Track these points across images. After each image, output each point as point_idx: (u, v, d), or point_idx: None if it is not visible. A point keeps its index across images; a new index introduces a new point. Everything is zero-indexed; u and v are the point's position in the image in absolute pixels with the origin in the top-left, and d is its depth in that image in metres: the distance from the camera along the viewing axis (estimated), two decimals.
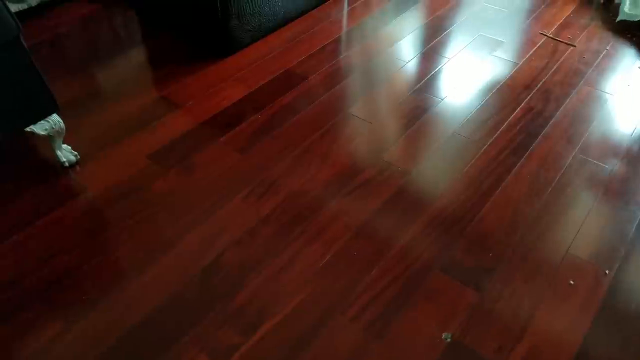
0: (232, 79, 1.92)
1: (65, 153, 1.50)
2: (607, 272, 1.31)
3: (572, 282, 1.28)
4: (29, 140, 1.59)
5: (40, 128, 1.37)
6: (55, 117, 1.39)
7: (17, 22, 1.15)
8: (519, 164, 1.60)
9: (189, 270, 1.29)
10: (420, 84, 1.94)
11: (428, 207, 1.46)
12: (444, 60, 2.07)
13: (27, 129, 1.35)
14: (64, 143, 1.51)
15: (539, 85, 1.94)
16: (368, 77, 1.97)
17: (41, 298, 1.23)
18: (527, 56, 2.10)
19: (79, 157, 1.53)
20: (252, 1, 1.94)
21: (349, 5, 2.42)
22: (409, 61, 2.06)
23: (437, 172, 1.58)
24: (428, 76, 1.98)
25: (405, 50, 2.13)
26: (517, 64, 2.05)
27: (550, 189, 1.53)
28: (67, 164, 1.50)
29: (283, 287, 1.25)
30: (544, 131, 1.73)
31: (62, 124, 1.42)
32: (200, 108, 1.78)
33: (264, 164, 1.58)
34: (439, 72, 2.00)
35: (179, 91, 1.86)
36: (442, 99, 1.86)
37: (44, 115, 1.33)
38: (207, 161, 1.59)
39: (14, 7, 1.96)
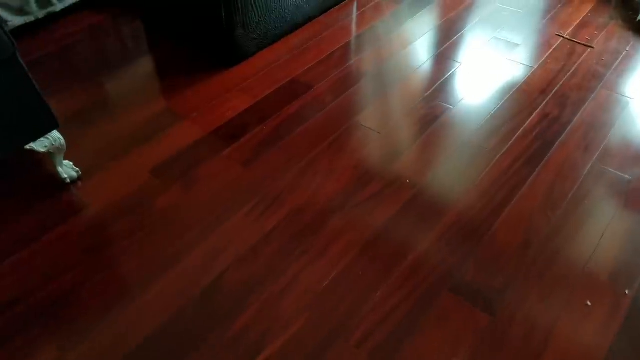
0: (237, 89, 1.88)
1: (67, 169, 1.47)
2: (627, 291, 1.23)
3: (589, 302, 1.21)
4: (31, 156, 1.58)
5: (39, 145, 1.35)
6: (55, 134, 1.37)
7: (13, 41, 1.12)
8: (534, 174, 1.53)
9: (190, 289, 1.26)
10: (432, 90, 1.87)
11: (438, 222, 1.40)
12: (457, 65, 2.00)
13: (27, 146, 1.33)
14: (65, 159, 1.49)
15: (555, 90, 1.85)
16: (377, 84, 1.92)
17: (45, 316, 1.20)
18: (543, 59, 2.02)
19: (80, 173, 1.51)
20: (258, 10, 1.90)
21: (358, 9, 2.36)
22: (420, 66, 2.00)
23: (448, 183, 1.52)
24: (440, 82, 1.91)
25: (417, 54, 2.06)
26: (533, 67, 1.97)
27: (566, 201, 1.45)
28: (68, 180, 1.48)
29: (285, 309, 1.20)
30: (560, 139, 1.65)
31: (63, 141, 1.40)
32: (205, 119, 1.75)
33: (268, 177, 1.54)
34: (451, 77, 1.93)
35: (183, 102, 1.83)
36: (454, 106, 1.79)
37: (43, 132, 1.31)
38: (210, 175, 1.55)
39: (19, 20, 1.95)
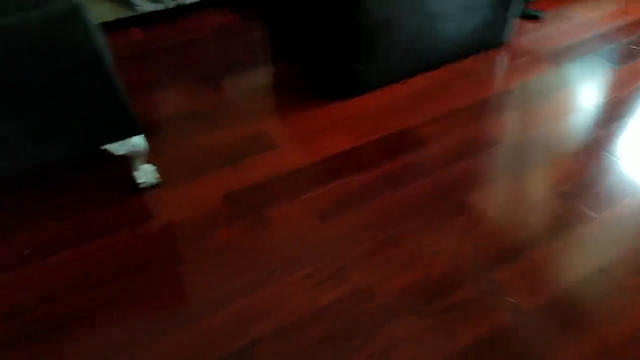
0: (341, 126, 1.73)
1: (146, 174, 1.45)
2: None
3: None
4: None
5: (118, 147, 1.32)
6: (137, 139, 1.34)
7: (96, 44, 1.09)
8: None
9: (216, 350, 1.14)
10: (573, 185, 1.55)
11: None
12: (612, 161, 1.64)
13: (103, 147, 1.31)
14: (148, 163, 1.46)
15: None
16: (506, 160, 1.64)
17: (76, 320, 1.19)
18: None
19: (160, 180, 1.48)
20: (385, 45, 1.73)
21: (510, 60, 2.09)
22: (566, 150, 1.68)
23: (560, 322, 1.21)
24: (586, 177, 1.58)
25: (565, 134, 1.75)
26: None
27: None
28: (143, 185, 1.46)
29: None
30: None
31: (144, 146, 1.37)
32: (297, 153, 1.63)
33: (340, 242, 1.37)
34: (602, 174, 1.59)
35: (283, 127, 1.73)
36: (598, 214, 1.46)
37: (122, 137, 1.29)
38: (281, 219, 1.43)
39: (150, 7, 2.00)
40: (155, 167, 1.49)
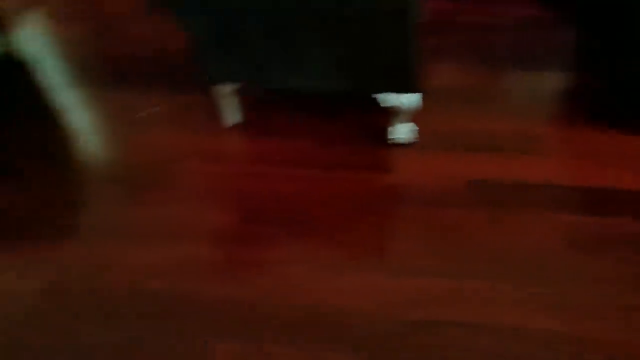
0: (635, 161, 1.46)
1: (405, 132, 1.48)
2: None
3: None
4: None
5: (390, 99, 1.37)
6: (410, 96, 1.36)
7: None
8: None
9: (397, 309, 1.19)
10: None
11: None
12: None
13: (375, 95, 1.36)
14: (412, 122, 1.50)
15: None
16: None
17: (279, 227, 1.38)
18: None
19: (416, 141, 1.51)
20: None
21: None
22: None
23: None
24: None
25: None
26: None
27: None
28: (394, 141, 1.50)
29: None
30: None
31: (413, 105, 1.39)
32: (563, 168, 1.47)
33: (588, 280, 1.21)
34: None
35: (556, 137, 1.56)
36: None
37: (400, 90, 1.32)
38: (520, 227, 1.32)
39: None
40: (416, 127, 1.51)
